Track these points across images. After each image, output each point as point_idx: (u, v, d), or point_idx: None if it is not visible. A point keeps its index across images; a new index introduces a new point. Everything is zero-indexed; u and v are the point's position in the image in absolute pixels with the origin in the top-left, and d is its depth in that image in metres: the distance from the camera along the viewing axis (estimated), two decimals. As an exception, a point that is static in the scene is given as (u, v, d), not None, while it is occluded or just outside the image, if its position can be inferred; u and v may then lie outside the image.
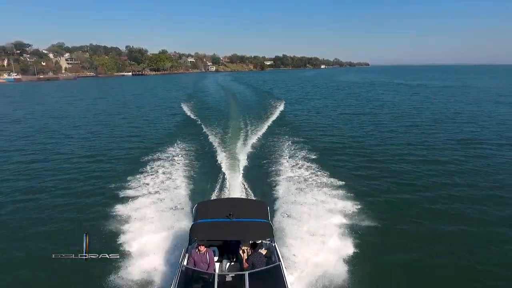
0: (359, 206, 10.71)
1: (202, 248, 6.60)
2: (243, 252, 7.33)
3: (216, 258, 7.31)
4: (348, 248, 8.34)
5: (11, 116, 33.50)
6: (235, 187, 12.58)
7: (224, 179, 13.44)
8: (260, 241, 7.34)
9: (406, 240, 9.10)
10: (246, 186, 12.76)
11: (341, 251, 8.17)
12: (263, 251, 7.10)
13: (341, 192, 11.80)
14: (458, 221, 10.12)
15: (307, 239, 8.43)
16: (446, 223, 10.03)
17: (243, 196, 11.85)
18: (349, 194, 11.61)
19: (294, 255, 7.83)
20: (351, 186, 12.39)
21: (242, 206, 7.57)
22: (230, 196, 11.68)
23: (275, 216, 9.87)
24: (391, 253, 8.56)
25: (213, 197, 11.79)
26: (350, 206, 10.68)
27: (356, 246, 8.47)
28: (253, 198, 11.62)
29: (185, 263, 6.51)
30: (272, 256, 6.95)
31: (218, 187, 12.73)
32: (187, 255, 6.83)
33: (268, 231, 6.87)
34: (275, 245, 7.04)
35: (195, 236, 6.66)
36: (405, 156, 16.98)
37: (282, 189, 12.12)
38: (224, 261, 7.44)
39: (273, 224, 7.71)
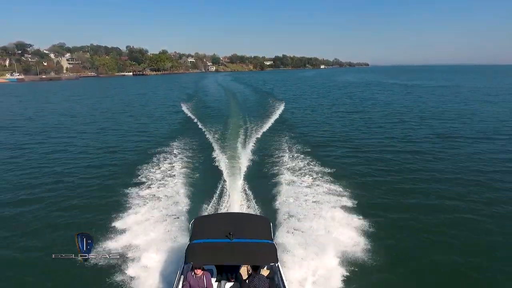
0: (358, 203, 11.21)
1: (199, 272, 6.12)
2: (244, 270, 6.93)
3: (214, 279, 6.82)
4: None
5: (24, 114, 35.41)
6: (235, 189, 12.60)
7: (224, 182, 13.41)
8: None
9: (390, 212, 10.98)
10: (247, 189, 12.67)
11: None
12: (265, 271, 6.66)
13: (336, 182, 12.78)
14: (421, 196, 12.06)
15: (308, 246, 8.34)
16: (412, 198, 11.97)
17: (244, 200, 11.62)
18: (346, 190, 12.19)
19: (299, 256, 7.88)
20: (350, 184, 12.96)
21: (243, 223, 6.88)
22: (230, 200, 11.55)
23: (276, 223, 9.70)
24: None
25: (213, 201, 11.65)
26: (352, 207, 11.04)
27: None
28: (255, 202, 11.50)
29: None
30: (275, 277, 6.45)
31: (218, 189, 12.71)
32: (182, 277, 6.36)
33: (272, 254, 6.15)
34: (278, 265, 6.40)
35: (191, 260, 6.08)
36: (388, 147, 18.91)
37: (283, 192, 12.16)
38: (223, 282, 6.88)
39: (276, 240, 7.23)
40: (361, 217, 10.14)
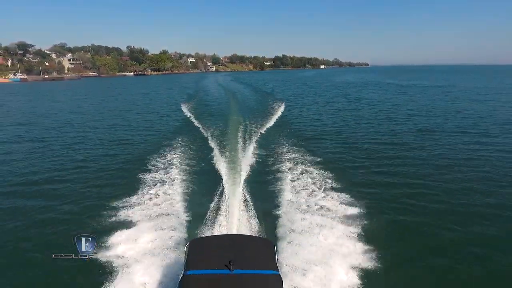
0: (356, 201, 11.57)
1: None
2: None
3: None
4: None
5: (36, 112, 37.56)
6: (235, 194, 12.53)
7: (223, 182, 13.62)
8: None
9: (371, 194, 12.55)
10: (246, 195, 12.45)
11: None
12: None
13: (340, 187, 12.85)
14: (393, 176, 14.08)
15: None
16: (386, 177, 13.95)
17: (243, 210, 11.24)
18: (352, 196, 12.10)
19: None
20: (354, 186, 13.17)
21: (244, 248, 6.29)
22: (229, 203, 11.45)
23: (278, 239, 9.21)
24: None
25: (212, 205, 11.48)
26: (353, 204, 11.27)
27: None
28: (254, 208, 11.26)
29: None
30: None
31: (218, 190, 12.79)
32: None
33: None
34: None
35: None
36: (372, 140, 20.99)
37: (283, 196, 12.07)
38: None
39: (280, 267, 6.65)
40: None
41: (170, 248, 8.69)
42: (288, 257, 8.09)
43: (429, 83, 78.51)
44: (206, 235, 9.48)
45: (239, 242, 6.65)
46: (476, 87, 63.66)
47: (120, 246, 8.85)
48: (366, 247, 8.58)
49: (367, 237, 9.11)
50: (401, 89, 60.47)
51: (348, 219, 10.10)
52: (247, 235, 8.62)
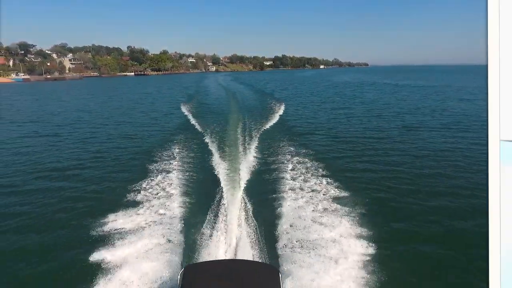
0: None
1: None
2: None
3: None
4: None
5: (46, 110, 39.52)
6: (234, 188, 12.68)
7: (223, 178, 13.90)
8: None
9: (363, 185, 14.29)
10: (246, 199, 12.13)
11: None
12: None
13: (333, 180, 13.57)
14: (374, 164, 15.88)
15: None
16: (367, 164, 15.72)
17: (242, 215, 10.82)
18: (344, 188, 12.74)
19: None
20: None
21: (246, 277, 5.74)
22: (228, 210, 10.93)
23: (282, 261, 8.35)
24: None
25: (209, 217, 10.76)
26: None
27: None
28: (254, 217, 10.77)
29: None
30: None
31: (216, 196, 12.36)
32: None
33: None
34: None
35: None
36: (360, 135, 22.85)
37: (285, 207, 11.39)
38: None
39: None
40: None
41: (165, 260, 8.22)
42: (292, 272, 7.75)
43: (424, 83, 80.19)
44: (202, 252, 8.81)
45: (240, 269, 6.08)
46: (471, 86, 65.01)
47: (122, 243, 8.97)
48: (352, 222, 10.06)
49: (353, 213, 10.65)
50: (396, 89, 62.17)
51: (336, 200, 11.66)
52: (248, 261, 7.71)
